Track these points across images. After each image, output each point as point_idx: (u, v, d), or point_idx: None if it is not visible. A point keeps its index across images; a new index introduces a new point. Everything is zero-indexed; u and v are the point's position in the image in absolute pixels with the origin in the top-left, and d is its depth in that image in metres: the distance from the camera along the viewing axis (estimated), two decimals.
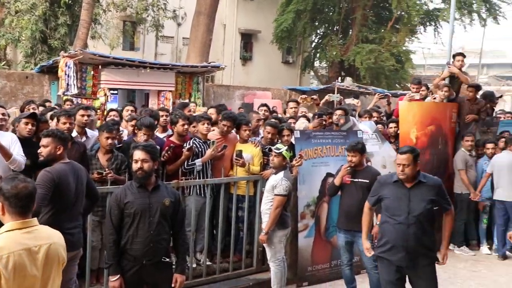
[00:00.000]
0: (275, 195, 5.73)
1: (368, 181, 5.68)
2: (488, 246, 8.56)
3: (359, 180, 5.81)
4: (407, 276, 4.92)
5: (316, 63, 27.78)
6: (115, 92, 14.08)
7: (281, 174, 5.78)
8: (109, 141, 5.78)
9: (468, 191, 8.41)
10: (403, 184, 4.82)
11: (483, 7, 23.17)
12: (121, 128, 6.88)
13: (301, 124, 7.92)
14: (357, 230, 5.58)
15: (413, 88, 9.00)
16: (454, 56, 9.26)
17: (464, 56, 9.32)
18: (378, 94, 10.10)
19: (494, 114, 10.01)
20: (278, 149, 5.79)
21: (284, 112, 10.25)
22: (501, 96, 12.05)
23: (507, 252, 8.26)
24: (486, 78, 50.52)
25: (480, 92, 9.41)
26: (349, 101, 11.24)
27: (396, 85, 23.67)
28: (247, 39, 27.58)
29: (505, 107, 20.61)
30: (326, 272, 6.91)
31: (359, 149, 5.88)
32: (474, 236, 8.68)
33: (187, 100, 13.63)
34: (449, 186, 8.50)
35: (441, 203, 4.86)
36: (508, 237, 6.73)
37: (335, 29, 25.31)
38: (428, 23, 24.34)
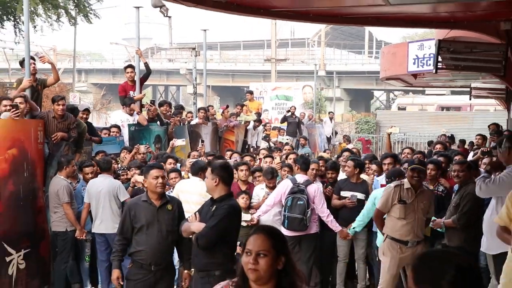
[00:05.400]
0: None
1: None
2: (93, 286, 7.34)
3: None
4: None
5: None
6: None
7: None
8: None
9: (74, 228, 7.01)
10: None
11: (70, 3, 20.67)
12: None
13: None
14: None
15: None
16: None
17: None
18: None
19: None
20: None
21: None
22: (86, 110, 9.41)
23: None
24: (86, 86, 47.30)
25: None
26: None
27: None
28: None
29: None
30: None
31: None
32: (77, 277, 7.29)
33: None
34: (42, 222, 6.94)
35: None
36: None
37: None
38: (6, 17, 20.07)
